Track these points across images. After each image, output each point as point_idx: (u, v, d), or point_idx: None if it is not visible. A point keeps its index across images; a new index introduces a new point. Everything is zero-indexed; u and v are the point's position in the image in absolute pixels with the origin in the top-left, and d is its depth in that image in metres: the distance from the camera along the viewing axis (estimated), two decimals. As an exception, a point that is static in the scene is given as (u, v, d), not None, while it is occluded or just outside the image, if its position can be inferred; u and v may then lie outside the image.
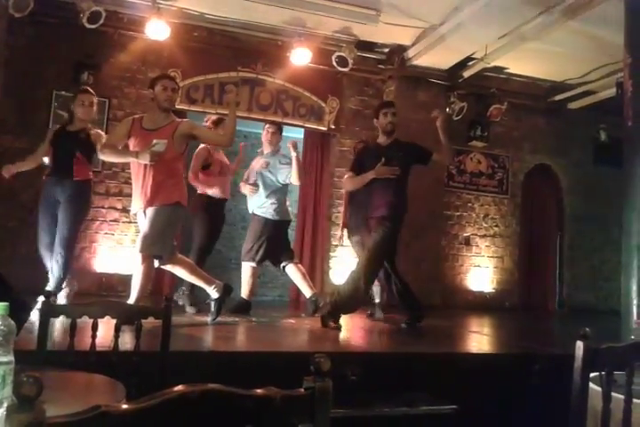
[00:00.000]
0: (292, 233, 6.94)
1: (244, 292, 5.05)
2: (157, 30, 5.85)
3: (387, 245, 4.39)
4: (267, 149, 5.29)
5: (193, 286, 4.77)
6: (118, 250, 6.13)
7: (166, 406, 0.81)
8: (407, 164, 4.51)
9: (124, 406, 0.79)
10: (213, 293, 4.17)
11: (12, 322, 1.21)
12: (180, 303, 4.86)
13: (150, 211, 3.85)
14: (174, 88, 4.01)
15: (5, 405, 1.12)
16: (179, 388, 0.84)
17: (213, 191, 5.17)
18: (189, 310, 4.79)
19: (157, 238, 3.81)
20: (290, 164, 5.05)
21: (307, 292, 5.06)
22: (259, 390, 0.90)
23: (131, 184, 6.00)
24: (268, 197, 5.07)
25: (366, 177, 4.45)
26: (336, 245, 6.95)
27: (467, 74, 7.08)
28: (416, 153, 4.56)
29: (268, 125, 5.41)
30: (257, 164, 5.26)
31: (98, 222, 6.15)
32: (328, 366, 0.95)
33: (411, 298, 4.64)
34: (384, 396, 2.67)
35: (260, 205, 5.08)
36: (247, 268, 5.05)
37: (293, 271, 5.05)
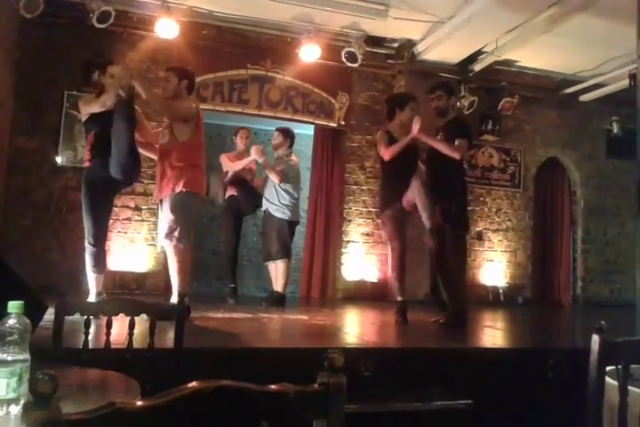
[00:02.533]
0: (303, 229, 6.96)
1: (280, 286, 5.40)
2: (167, 29, 5.87)
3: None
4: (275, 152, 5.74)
5: (234, 280, 5.61)
6: (131, 248, 6.17)
7: (181, 403, 0.81)
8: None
9: (139, 403, 0.79)
10: (174, 297, 3.96)
11: (28, 320, 1.22)
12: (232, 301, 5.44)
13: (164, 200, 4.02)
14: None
15: (22, 402, 1.13)
16: (193, 384, 0.84)
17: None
18: (230, 301, 5.44)
19: (174, 227, 3.91)
20: (289, 169, 5.49)
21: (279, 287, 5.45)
22: (273, 386, 0.90)
23: (143, 183, 6.12)
24: (277, 195, 5.44)
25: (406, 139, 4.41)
26: (348, 242, 6.95)
27: (477, 67, 7.03)
28: (452, 130, 4.44)
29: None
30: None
31: (111, 221, 6.16)
32: (341, 362, 0.94)
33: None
34: (398, 391, 2.66)
35: (276, 206, 5.44)
36: (281, 264, 5.39)
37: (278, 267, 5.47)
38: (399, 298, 4.40)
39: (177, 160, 3.96)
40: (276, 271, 5.42)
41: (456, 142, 4.35)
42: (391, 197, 4.53)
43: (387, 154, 4.45)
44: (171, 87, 4.07)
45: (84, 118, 4.05)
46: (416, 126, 4.30)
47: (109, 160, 3.86)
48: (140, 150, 4.23)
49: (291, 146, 5.66)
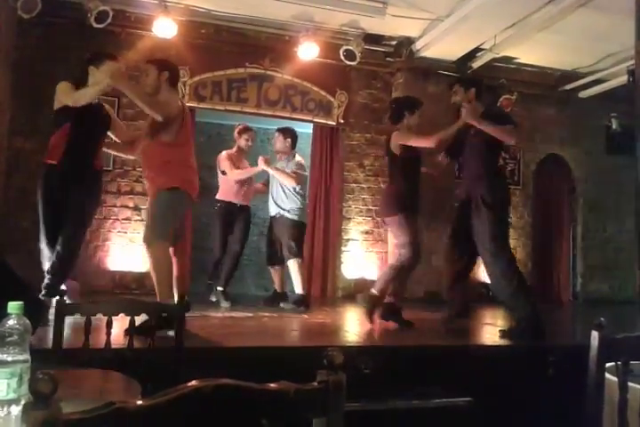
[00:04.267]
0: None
1: (299, 287, 5.18)
2: (164, 28, 5.86)
3: (502, 228, 4.03)
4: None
5: (226, 282, 5.39)
6: (131, 248, 6.17)
7: (180, 402, 0.81)
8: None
9: (139, 403, 0.79)
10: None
11: (28, 321, 1.23)
12: (214, 300, 5.35)
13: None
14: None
15: (23, 402, 1.13)
16: (192, 383, 0.84)
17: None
18: (224, 304, 5.20)
19: (152, 225, 3.67)
20: (299, 169, 5.35)
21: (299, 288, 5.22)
22: (272, 385, 0.91)
23: (142, 182, 6.11)
24: (289, 200, 5.31)
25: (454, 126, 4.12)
26: (347, 240, 6.95)
27: (476, 65, 7.03)
28: (490, 121, 4.10)
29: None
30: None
31: (110, 221, 6.19)
32: (341, 360, 0.95)
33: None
34: (398, 389, 2.67)
35: (285, 208, 5.31)
36: (294, 264, 5.18)
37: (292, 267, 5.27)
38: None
39: (163, 160, 3.64)
40: (291, 271, 5.23)
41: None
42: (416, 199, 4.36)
43: (433, 141, 4.12)
44: (150, 81, 3.74)
45: (56, 106, 3.77)
46: (466, 111, 4.03)
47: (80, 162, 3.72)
48: (113, 151, 4.20)
49: (293, 146, 5.50)
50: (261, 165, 5.30)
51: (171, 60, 4.14)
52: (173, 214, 3.68)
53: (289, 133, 5.49)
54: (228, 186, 5.58)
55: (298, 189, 5.33)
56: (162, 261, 3.59)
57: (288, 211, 5.29)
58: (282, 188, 5.35)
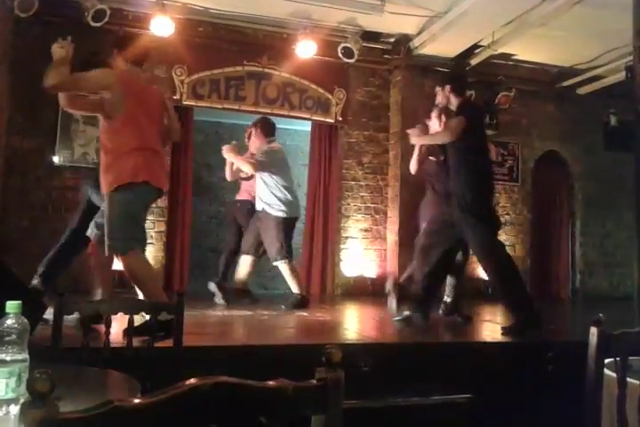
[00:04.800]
0: (301, 226, 6.96)
1: (295, 287, 5.01)
2: (162, 26, 5.85)
3: (486, 226, 3.90)
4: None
5: (225, 277, 5.32)
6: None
7: (178, 400, 0.81)
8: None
9: (137, 401, 0.79)
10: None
11: (26, 320, 1.23)
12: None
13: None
14: None
15: (21, 402, 1.13)
16: (190, 381, 0.84)
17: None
18: (219, 301, 5.14)
19: (113, 230, 3.16)
20: (262, 156, 5.04)
21: (294, 288, 5.06)
22: (271, 382, 0.90)
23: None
24: (276, 193, 5.01)
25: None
26: (346, 238, 6.95)
27: (474, 62, 7.02)
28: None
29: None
30: None
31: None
32: (339, 357, 0.95)
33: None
34: (397, 386, 2.67)
35: (271, 203, 5.01)
36: (285, 266, 4.97)
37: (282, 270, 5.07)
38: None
39: (112, 144, 3.16)
40: (283, 274, 5.03)
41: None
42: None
43: (412, 171, 4.54)
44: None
45: None
46: (410, 137, 4.31)
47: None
48: None
49: (266, 134, 5.19)
50: (224, 154, 5.11)
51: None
52: (132, 214, 3.19)
53: (258, 124, 5.27)
54: (249, 187, 5.51)
55: (277, 178, 5.01)
56: (139, 271, 3.18)
57: (270, 204, 4.99)
58: (261, 179, 5.06)
